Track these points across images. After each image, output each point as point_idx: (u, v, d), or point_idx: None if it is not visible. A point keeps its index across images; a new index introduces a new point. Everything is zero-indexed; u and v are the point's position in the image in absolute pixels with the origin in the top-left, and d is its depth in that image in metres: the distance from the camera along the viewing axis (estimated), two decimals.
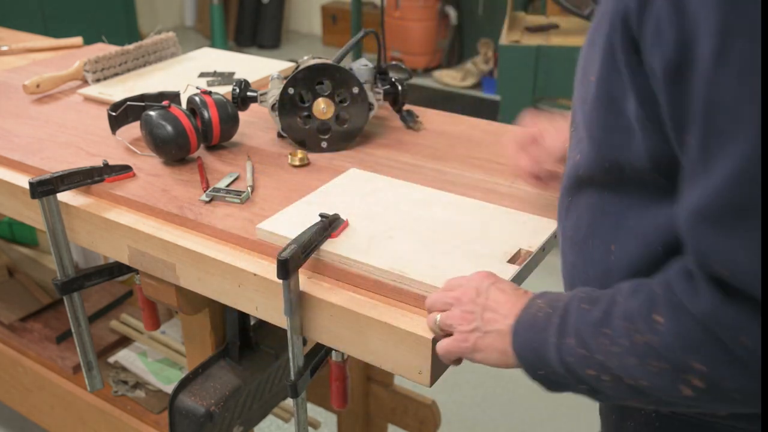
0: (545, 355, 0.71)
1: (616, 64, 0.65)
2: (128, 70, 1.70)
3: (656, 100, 0.63)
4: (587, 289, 0.73)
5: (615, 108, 0.68)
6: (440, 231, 1.01)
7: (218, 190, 1.15)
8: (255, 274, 0.97)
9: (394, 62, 1.47)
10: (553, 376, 0.72)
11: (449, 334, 0.81)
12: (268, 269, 0.97)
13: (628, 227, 0.72)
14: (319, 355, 1.06)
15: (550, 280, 1.69)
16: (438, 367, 0.88)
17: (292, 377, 0.98)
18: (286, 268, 0.87)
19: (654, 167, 0.68)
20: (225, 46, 5.26)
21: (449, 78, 4.35)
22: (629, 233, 0.72)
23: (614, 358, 0.66)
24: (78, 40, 2.01)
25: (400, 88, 1.38)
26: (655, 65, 0.60)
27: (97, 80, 1.63)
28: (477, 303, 0.79)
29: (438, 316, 0.82)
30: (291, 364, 0.97)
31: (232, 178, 1.20)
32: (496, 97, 3.64)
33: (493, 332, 0.76)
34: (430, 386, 0.89)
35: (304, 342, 1.24)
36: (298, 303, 0.93)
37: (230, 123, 1.29)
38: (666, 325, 0.62)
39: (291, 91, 1.27)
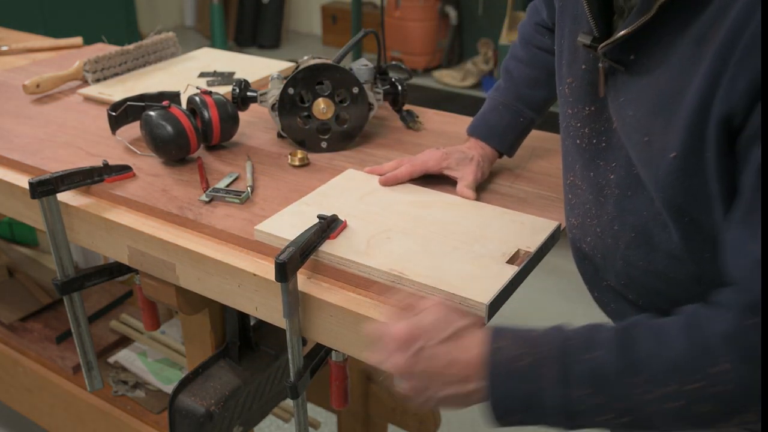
0: (539, 404, 0.69)
1: (704, 150, 0.67)
2: (128, 70, 1.70)
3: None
4: (571, 332, 0.71)
5: (698, 180, 0.70)
6: (439, 232, 1.01)
7: (218, 190, 1.15)
8: (254, 275, 0.97)
9: (394, 62, 1.47)
10: (532, 419, 0.70)
11: None
12: (268, 269, 0.97)
13: (702, 271, 0.77)
14: (318, 355, 1.06)
15: (549, 280, 1.68)
16: None
17: (292, 378, 0.98)
18: (284, 271, 0.87)
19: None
20: (225, 46, 5.26)
21: (449, 78, 4.34)
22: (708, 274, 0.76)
23: (648, 404, 0.65)
24: (78, 40, 2.01)
25: (400, 88, 1.38)
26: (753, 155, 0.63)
27: (97, 80, 1.63)
28: (417, 375, 0.73)
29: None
30: (290, 365, 0.96)
31: (232, 178, 1.20)
32: None
33: (448, 398, 0.74)
34: None
35: (304, 342, 1.24)
36: (296, 305, 0.93)
37: (230, 123, 1.29)
38: (734, 374, 0.62)
39: (291, 91, 1.27)
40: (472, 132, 1.20)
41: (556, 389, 0.68)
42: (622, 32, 0.73)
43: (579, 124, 0.85)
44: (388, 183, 1.15)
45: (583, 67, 0.83)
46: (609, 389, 0.66)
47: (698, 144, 0.68)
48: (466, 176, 1.14)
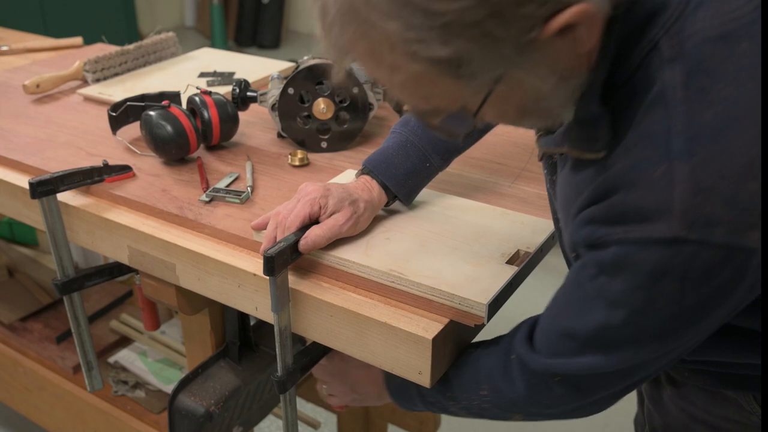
0: (419, 407, 0.96)
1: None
2: (128, 70, 1.70)
3: None
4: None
5: None
6: (439, 232, 1.01)
7: (218, 190, 1.15)
8: (254, 274, 0.97)
9: None
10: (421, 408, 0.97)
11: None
12: None
13: None
14: (312, 353, 1.06)
15: (549, 279, 1.68)
16: (438, 367, 0.88)
17: (279, 374, 0.97)
18: (272, 265, 0.87)
19: None
20: (225, 46, 5.26)
21: None
22: None
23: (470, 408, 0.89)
24: (78, 40, 2.02)
25: None
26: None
27: (97, 80, 1.64)
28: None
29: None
30: (278, 360, 0.96)
31: (232, 178, 1.20)
32: None
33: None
34: (430, 386, 0.89)
35: (303, 342, 1.24)
36: (286, 300, 0.93)
37: (230, 123, 1.29)
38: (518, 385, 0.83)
39: (291, 91, 1.27)
40: (372, 168, 1.03)
41: (419, 403, 0.95)
42: (540, 148, 0.76)
43: (546, 171, 0.85)
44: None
45: None
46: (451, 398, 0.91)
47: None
48: (328, 222, 0.95)
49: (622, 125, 0.65)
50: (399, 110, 1.06)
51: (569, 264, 0.82)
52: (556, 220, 0.85)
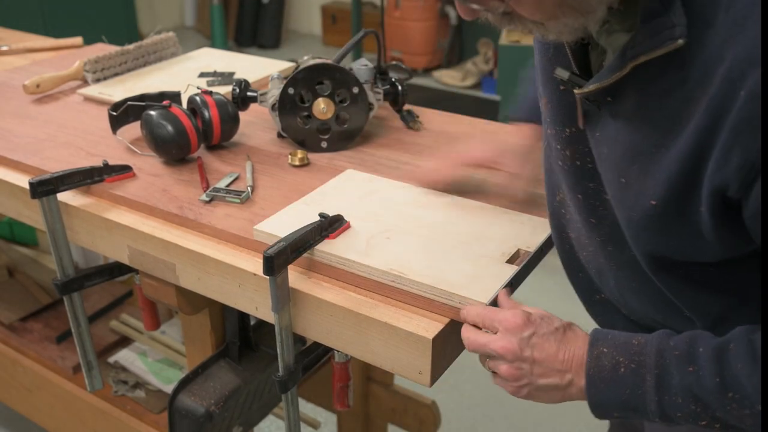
0: (638, 408, 0.72)
1: (696, 205, 0.66)
2: (128, 70, 1.70)
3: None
4: (674, 343, 0.72)
5: (679, 227, 0.69)
6: (439, 231, 1.01)
7: (218, 190, 1.15)
8: (255, 274, 0.97)
9: (394, 62, 1.47)
10: (629, 417, 0.74)
11: None
12: None
13: (680, 303, 0.77)
14: (314, 353, 1.06)
15: (549, 279, 1.68)
16: (438, 367, 0.88)
17: (281, 373, 0.97)
18: (272, 265, 0.87)
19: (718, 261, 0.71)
20: (225, 46, 5.26)
21: (449, 78, 4.35)
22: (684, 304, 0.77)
23: (745, 417, 0.68)
24: (78, 40, 2.02)
25: (400, 88, 1.38)
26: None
27: (97, 80, 1.63)
28: (524, 359, 0.76)
29: (488, 361, 0.81)
30: (279, 360, 0.96)
31: (232, 178, 1.20)
32: (496, 97, 3.63)
33: (547, 387, 0.77)
34: (430, 386, 0.89)
35: (304, 342, 1.24)
36: (286, 300, 0.93)
37: (230, 123, 1.29)
38: None
39: (291, 91, 1.27)
40: (530, 116, 1.07)
41: (653, 397, 0.71)
42: (594, 86, 0.70)
43: (559, 146, 0.82)
44: (429, 185, 1.09)
45: (561, 87, 0.79)
46: (708, 401, 0.69)
47: (686, 199, 0.67)
48: (522, 174, 1.04)
49: (704, 11, 0.61)
50: None
51: (605, 233, 0.77)
52: (589, 192, 0.79)
